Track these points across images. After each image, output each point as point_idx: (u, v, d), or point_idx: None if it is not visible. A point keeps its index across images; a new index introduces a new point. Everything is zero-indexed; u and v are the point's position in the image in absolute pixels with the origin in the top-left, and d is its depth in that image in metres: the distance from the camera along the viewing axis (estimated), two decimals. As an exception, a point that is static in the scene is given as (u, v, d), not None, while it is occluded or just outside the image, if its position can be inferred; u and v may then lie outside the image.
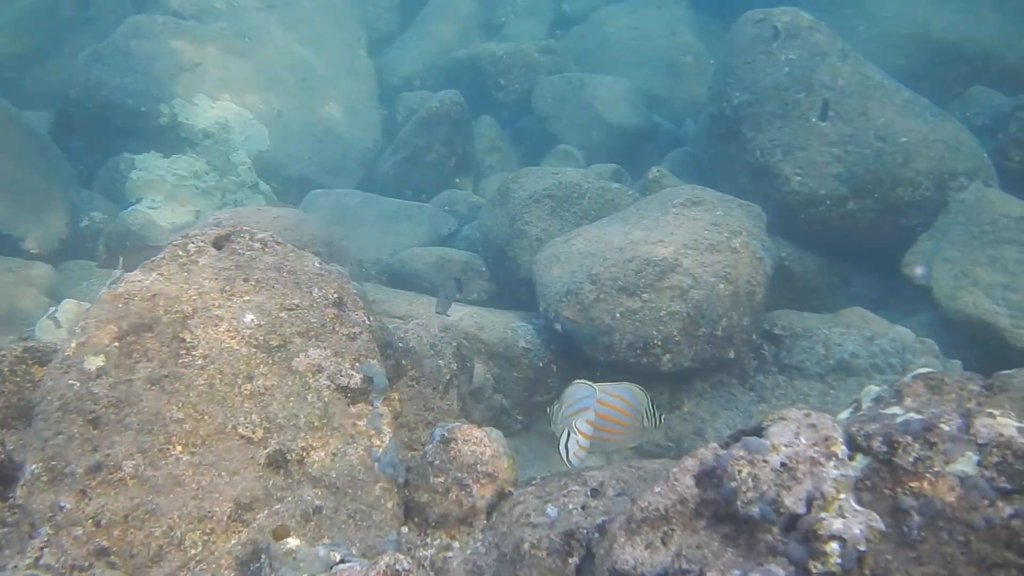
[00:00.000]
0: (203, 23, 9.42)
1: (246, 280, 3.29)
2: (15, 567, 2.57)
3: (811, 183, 6.17)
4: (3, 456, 2.85)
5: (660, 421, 3.71)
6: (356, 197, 8.21)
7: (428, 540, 3.01)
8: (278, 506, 2.84)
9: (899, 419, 2.28)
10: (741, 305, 4.96)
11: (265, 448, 2.94)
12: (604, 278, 4.97)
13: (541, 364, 5.28)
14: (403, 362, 3.66)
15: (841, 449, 2.09)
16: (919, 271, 5.71)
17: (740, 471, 2.07)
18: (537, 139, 9.45)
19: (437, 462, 3.06)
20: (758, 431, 2.19)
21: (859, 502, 2.04)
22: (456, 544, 2.97)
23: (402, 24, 11.65)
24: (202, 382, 3.00)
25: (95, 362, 2.96)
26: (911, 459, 2.16)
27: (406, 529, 3.04)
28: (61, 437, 2.80)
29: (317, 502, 2.90)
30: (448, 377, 3.84)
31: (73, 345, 3.01)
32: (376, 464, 3.07)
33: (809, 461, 2.04)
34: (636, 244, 5.17)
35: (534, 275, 5.50)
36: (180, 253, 3.35)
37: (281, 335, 3.19)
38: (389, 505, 3.04)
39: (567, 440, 3.33)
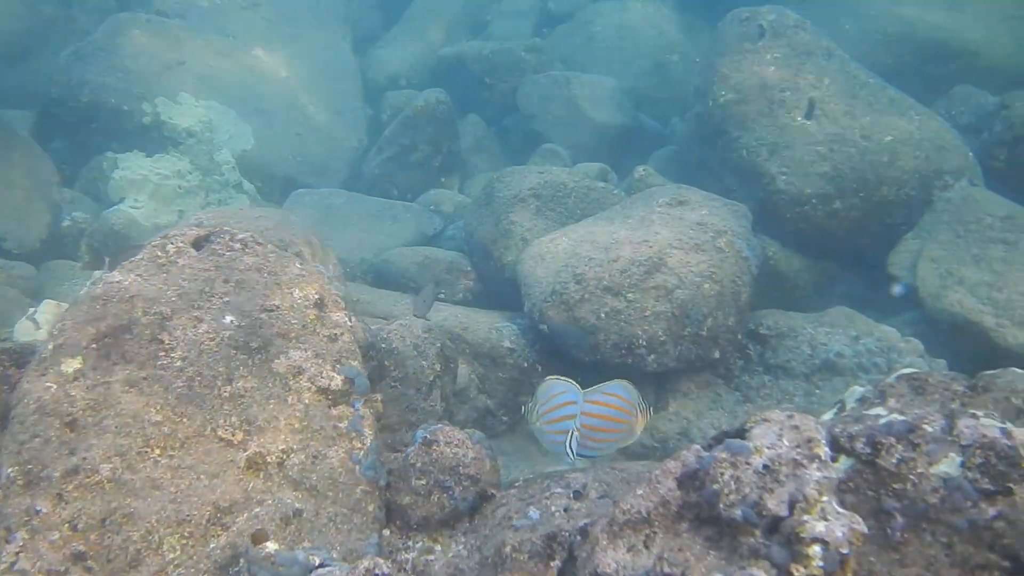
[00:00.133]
0: (187, 21, 9.35)
1: (226, 281, 3.26)
2: (-11, 573, 2.54)
3: (797, 182, 6.16)
4: (-22, 460, 2.81)
5: (651, 413, 3.69)
6: (341, 196, 8.15)
7: (410, 543, 2.98)
8: (257, 509, 2.81)
9: (882, 420, 2.28)
10: (726, 305, 4.95)
11: (245, 451, 2.91)
12: (589, 278, 4.95)
13: (526, 364, 5.26)
14: (386, 363, 3.64)
15: (824, 451, 2.07)
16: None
17: (722, 473, 2.06)
18: (523, 138, 9.40)
19: (419, 464, 3.04)
20: (741, 433, 2.18)
21: (842, 504, 2.02)
22: (438, 547, 2.95)
23: (385, 23, 11.59)
24: (181, 384, 2.97)
25: (72, 364, 2.93)
26: (894, 460, 2.16)
27: (387, 532, 3.02)
28: (37, 440, 2.76)
29: (297, 505, 2.87)
30: (431, 378, 3.82)
31: (50, 347, 2.98)
32: (357, 467, 3.04)
33: (791, 463, 2.02)
34: (621, 244, 5.16)
35: (519, 275, 5.47)
36: (159, 254, 3.32)
37: (261, 337, 3.16)
38: (370, 508, 3.01)
39: (570, 440, 3.27)
